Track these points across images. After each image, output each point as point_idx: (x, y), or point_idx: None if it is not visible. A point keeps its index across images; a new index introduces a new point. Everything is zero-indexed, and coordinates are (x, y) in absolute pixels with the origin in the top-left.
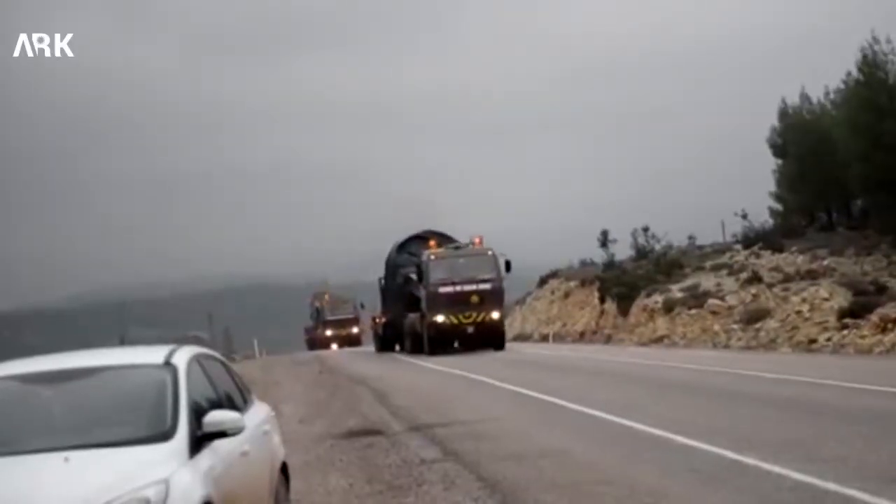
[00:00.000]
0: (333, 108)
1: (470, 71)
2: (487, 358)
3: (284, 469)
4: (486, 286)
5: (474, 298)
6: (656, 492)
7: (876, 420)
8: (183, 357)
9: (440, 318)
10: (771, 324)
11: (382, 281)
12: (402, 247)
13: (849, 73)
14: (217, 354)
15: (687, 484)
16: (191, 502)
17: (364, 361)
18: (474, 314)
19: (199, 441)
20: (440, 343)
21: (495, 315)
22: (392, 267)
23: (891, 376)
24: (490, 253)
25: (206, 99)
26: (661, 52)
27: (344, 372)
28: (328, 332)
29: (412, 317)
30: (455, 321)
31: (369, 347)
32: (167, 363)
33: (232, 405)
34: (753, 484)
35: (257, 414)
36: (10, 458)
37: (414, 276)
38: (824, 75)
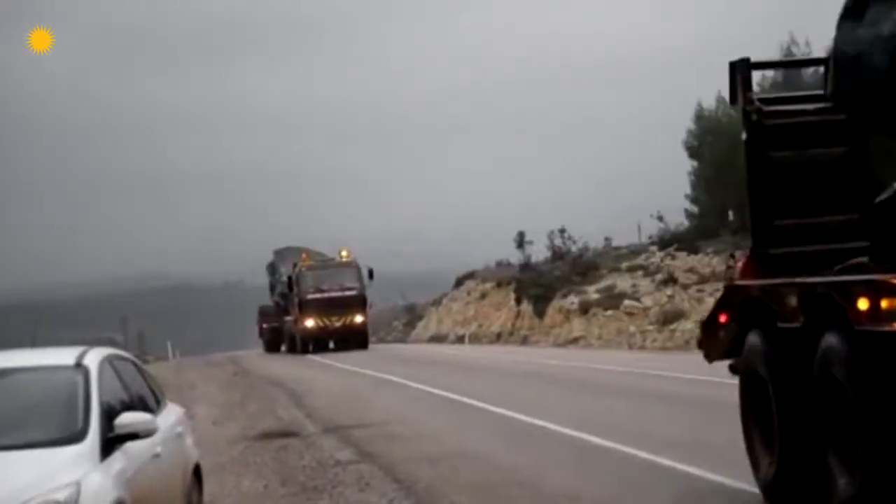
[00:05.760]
0: (261, 113)
1: (393, 79)
2: None
3: (197, 471)
4: None
5: None
6: (572, 494)
7: None
8: (94, 358)
9: None
10: (686, 325)
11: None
12: None
13: (763, 76)
14: (130, 356)
15: (602, 484)
16: None
17: None
18: None
19: (110, 443)
20: None
21: None
22: None
23: None
24: None
25: (132, 102)
26: (579, 61)
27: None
28: (309, 322)
29: None
30: None
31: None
32: (78, 365)
33: (144, 407)
34: (667, 484)
35: (170, 416)
36: None
37: None
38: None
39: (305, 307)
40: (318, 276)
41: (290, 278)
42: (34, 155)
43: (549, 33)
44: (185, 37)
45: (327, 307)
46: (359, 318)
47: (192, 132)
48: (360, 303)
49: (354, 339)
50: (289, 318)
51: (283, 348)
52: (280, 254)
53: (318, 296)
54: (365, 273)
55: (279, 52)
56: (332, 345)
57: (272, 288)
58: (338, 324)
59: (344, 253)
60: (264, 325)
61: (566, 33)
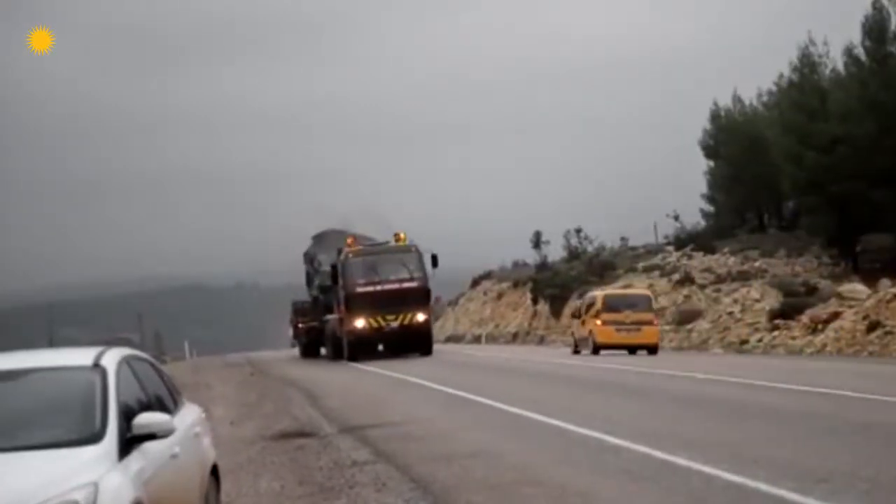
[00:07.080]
0: (265, 112)
1: (393, 79)
2: None
3: (215, 471)
4: None
5: None
6: (587, 492)
7: (803, 420)
8: (112, 359)
9: None
10: (703, 325)
11: None
12: None
13: (781, 75)
14: (147, 356)
15: (618, 484)
16: None
17: None
18: None
19: (128, 443)
20: None
21: None
22: None
23: (820, 377)
24: None
25: (138, 101)
26: (591, 59)
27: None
28: (359, 321)
29: None
30: None
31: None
32: (96, 365)
33: (162, 407)
34: (684, 484)
35: (188, 416)
36: None
37: None
38: (759, 76)
39: (353, 303)
40: (369, 264)
41: (333, 267)
42: (37, 155)
43: (549, 33)
44: (185, 37)
45: (381, 303)
46: (421, 317)
47: (192, 132)
48: (422, 297)
49: (415, 343)
50: (331, 317)
51: (324, 352)
52: (319, 239)
53: (369, 289)
54: (427, 260)
55: (279, 52)
56: (381, 347)
57: (309, 280)
58: (394, 324)
59: (401, 235)
60: (300, 325)
61: (567, 33)
